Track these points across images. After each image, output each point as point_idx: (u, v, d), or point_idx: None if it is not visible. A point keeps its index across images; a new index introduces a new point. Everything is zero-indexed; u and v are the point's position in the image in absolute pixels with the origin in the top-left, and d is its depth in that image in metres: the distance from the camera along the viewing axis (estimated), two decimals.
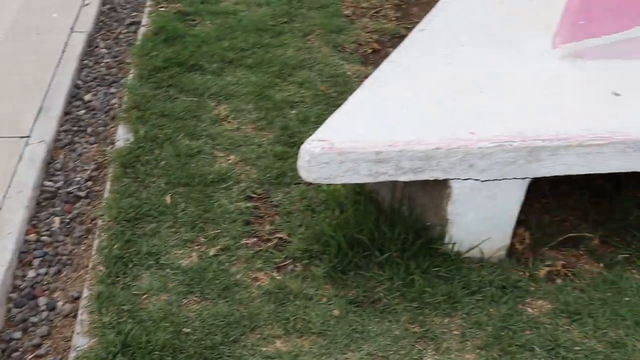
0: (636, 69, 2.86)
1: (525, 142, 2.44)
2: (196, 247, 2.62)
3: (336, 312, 2.36)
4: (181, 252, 2.59)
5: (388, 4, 4.35)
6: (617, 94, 2.71)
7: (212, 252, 2.59)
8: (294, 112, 3.35)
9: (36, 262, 2.67)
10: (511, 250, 2.61)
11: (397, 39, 3.81)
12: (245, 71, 3.62)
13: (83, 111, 3.50)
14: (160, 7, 4.18)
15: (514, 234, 2.62)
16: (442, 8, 3.34)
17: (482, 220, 2.52)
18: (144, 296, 2.41)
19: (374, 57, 3.82)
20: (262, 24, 4.02)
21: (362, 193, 2.75)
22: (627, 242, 2.68)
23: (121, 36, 4.12)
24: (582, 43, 2.92)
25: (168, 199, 2.82)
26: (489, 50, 2.97)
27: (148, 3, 4.29)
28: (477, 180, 2.44)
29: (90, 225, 2.83)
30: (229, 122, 3.28)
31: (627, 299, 2.43)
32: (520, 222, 2.66)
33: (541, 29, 3.08)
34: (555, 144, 2.45)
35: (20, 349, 2.36)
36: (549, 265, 2.57)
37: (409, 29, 3.22)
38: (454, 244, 2.52)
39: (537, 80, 2.78)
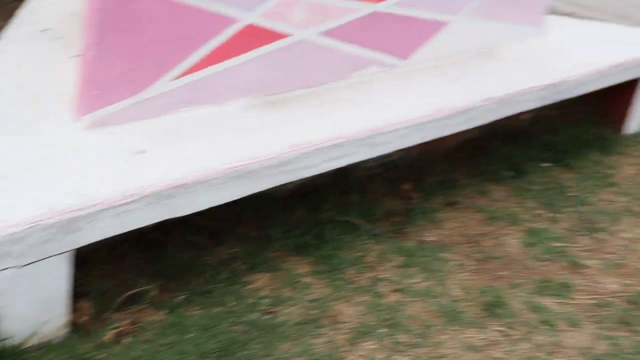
0: (154, 125, 3.09)
1: (59, 216, 2.44)
2: None
3: None
4: None
5: None
6: (142, 151, 2.88)
7: None
8: None
9: None
10: (77, 325, 2.58)
11: None
12: None
13: None
14: None
15: (76, 308, 2.61)
16: None
17: (34, 305, 2.45)
18: None
19: None
20: None
21: None
22: (185, 283, 2.85)
23: None
24: (101, 111, 3.05)
25: None
26: (11, 136, 2.92)
27: None
28: (16, 267, 2.37)
29: None
30: None
31: (191, 335, 2.58)
32: (82, 294, 2.66)
33: (65, 106, 3.14)
34: (89, 211, 2.50)
35: None
36: (115, 328, 2.60)
37: None
38: (9, 338, 2.40)
39: (65, 155, 2.81)
